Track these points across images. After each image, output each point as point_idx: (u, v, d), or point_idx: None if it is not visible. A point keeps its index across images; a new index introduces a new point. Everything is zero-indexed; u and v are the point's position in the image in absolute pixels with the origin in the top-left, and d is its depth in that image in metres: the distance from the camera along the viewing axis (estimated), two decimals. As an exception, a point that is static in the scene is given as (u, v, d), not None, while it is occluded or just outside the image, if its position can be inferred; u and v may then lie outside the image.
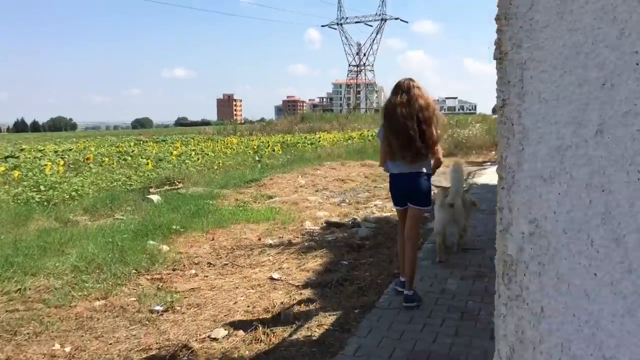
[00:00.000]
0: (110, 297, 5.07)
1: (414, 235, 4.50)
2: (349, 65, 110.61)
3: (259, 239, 7.43)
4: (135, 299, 5.04)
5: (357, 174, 14.18)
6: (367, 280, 5.17)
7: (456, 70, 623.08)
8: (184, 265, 6.23)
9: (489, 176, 12.37)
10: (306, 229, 7.99)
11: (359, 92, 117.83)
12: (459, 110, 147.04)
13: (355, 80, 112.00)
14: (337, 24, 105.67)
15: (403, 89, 4.27)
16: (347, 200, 10.26)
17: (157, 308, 4.77)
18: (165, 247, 6.84)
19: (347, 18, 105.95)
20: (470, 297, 4.41)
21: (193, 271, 6.03)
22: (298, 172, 14.43)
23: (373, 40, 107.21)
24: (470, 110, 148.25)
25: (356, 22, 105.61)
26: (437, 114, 4.41)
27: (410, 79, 4.36)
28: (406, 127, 4.13)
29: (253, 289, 5.28)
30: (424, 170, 4.36)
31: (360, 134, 29.04)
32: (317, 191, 11.68)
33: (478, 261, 5.49)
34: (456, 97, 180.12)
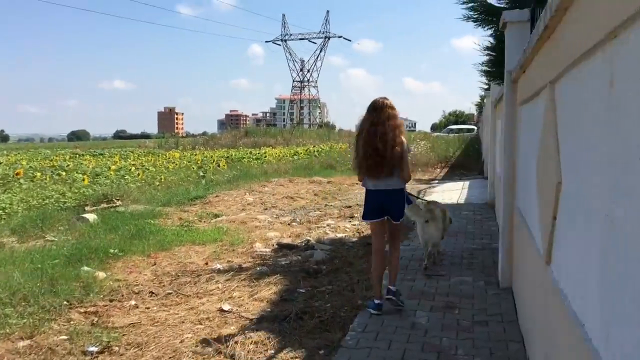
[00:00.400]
0: (37, 336, 4.42)
1: (398, 244, 4.94)
2: (293, 81, 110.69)
3: (206, 264, 6.87)
4: (66, 337, 4.41)
5: (306, 191, 13.77)
6: (328, 312, 4.73)
7: (396, 89, 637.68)
8: (123, 295, 5.62)
9: (439, 194, 12.22)
10: (257, 251, 7.49)
11: (302, 108, 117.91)
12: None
13: (299, 96, 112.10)
14: (282, 40, 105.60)
15: (377, 107, 4.53)
16: (298, 220, 9.82)
17: (92, 349, 4.16)
18: (101, 274, 6.19)
19: (291, 35, 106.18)
20: (444, 332, 4.04)
21: (133, 302, 5.42)
22: (245, 189, 13.89)
23: (317, 57, 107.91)
24: (410, 127, 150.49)
25: (300, 39, 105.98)
26: (405, 132, 4.71)
27: (385, 98, 4.62)
28: (380, 145, 4.37)
29: (201, 324, 4.74)
30: (398, 185, 4.60)
31: (306, 150, 28.72)
32: (265, 209, 11.18)
33: (445, 289, 5.16)
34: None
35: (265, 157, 24.93)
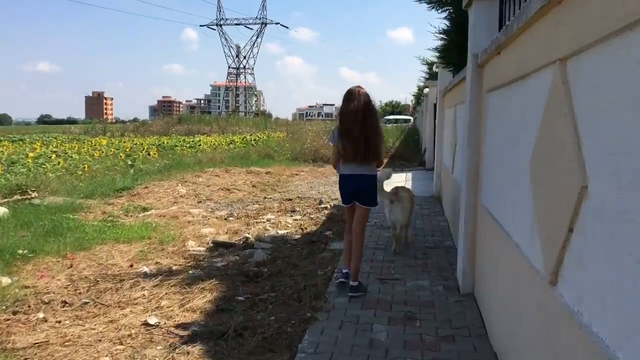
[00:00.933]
0: None
1: (360, 231, 4.86)
2: (229, 68, 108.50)
3: (131, 266, 6.09)
4: (-53, 367, 3.59)
5: (243, 182, 13.04)
6: (273, 327, 4.09)
7: (333, 78, 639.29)
8: (30, 307, 4.79)
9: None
10: (189, 250, 6.77)
11: (238, 95, 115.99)
12: (335, 116, 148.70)
13: (235, 83, 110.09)
14: (217, 24, 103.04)
15: (355, 96, 4.67)
16: (235, 214, 9.11)
17: (-21, 383, 3.37)
18: (5, 280, 5.32)
19: (227, 19, 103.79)
20: (407, 351, 3.50)
21: (41, 315, 4.61)
22: (177, 180, 12.99)
23: (253, 44, 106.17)
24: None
25: (236, 24, 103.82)
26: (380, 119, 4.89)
27: (359, 87, 4.77)
28: (358, 132, 4.56)
29: (122, 343, 4.01)
30: (371, 172, 4.77)
31: (243, 138, 27.79)
32: (200, 202, 10.39)
33: (402, 296, 4.65)
34: (333, 104, 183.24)
35: (200, 145, 23.90)
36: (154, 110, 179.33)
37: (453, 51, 6.43)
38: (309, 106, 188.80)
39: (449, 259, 5.76)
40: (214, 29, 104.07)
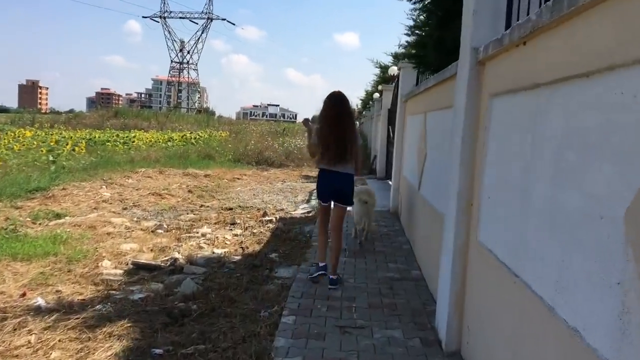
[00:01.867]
0: None
1: (339, 227, 5.11)
2: (171, 62, 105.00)
3: (24, 295, 4.82)
4: None
5: (178, 186, 11.72)
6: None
7: (278, 79, 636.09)
8: None
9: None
10: (103, 273, 5.52)
11: (180, 91, 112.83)
12: (280, 117, 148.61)
13: (178, 78, 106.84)
14: (160, 17, 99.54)
15: (338, 100, 4.95)
16: (165, 225, 7.85)
17: None
18: None
19: (171, 12, 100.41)
20: None
21: None
22: (102, 181, 11.53)
23: (198, 39, 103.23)
24: (291, 118, 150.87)
25: (181, 18, 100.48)
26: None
27: (341, 92, 5.03)
28: (341, 135, 4.83)
29: None
30: (351, 171, 4.99)
31: (183, 136, 26.22)
32: (125, 209, 9.05)
33: (370, 355, 3.59)
34: (278, 105, 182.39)
35: (134, 142, 22.21)
36: (91, 102, 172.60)
37: (430, 48, 5.48)
38: (254, 105, 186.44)
39: (420, 297, 4.77)
40: (158, 22, 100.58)
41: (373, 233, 7.05)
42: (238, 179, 14.01)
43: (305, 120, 5.54)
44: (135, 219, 8.29)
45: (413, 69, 7.84)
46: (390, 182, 12.68)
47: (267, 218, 8.39)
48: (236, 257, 6.27)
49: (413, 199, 6.80)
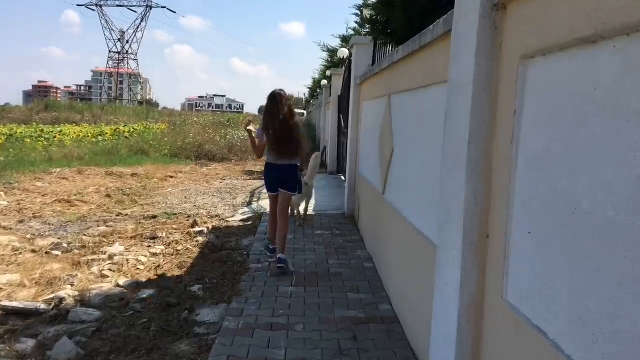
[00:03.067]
0: None
1: (285, 214, 5.46)
2: (110, 52, 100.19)
3: None
4: None
5: (96, 189, 9.99)
6: None
7: (224, 69, 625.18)
8: None
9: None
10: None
11: (121, 82, 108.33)
12: (226, 108, 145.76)
13: (117, 69, 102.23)
14: (96, 5, 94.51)
15: (278, 99, 5.27)
16: (65, 244, 6.23)
17: None
18: None
19: (108, 0, 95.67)
20: None
21: None
22: (2, 184, 9.69)
23: (137, 28, 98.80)
24: (238, 109, 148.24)
25: (118, 6, 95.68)
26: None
27: (282, 90, 5.43)
28: (283, 129, 5.19)
29: None
30: (294, 162, 5.37)
31: (115, 130, 24.09)
32: (21, 222, 7.34)
33: None
34: (224, 96, 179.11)
35: (57, 137, 20.05)
36: (28, 96, 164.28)
37: (398, 8, 4.10)
38: (199, 97, 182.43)
39: (396, 354, 3.40)
40: (94, 10, 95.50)
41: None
42: (171, 177, 12.34)
43: (247, 123, 5.56)
44: (29, 235, 6.61)
45: (372, 40, 6.46)
46: (343, 178, 11.35)
47: (197, 229, 6.86)
48: (148, 290, 4.74)
49: (376, 205, 5.45)
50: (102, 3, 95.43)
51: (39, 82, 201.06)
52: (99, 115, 37.61)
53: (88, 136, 21.57)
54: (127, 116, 39.87)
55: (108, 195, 9.35)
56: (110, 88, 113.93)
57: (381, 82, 5.39)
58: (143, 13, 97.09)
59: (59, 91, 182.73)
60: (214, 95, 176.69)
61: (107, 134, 22.35)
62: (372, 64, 6.75)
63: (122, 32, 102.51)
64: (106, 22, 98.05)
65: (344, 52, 12.50)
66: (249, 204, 8.88)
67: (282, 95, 5.31)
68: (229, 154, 18.53)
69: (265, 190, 9.25)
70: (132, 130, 24.32)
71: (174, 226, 7.15)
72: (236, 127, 25.61)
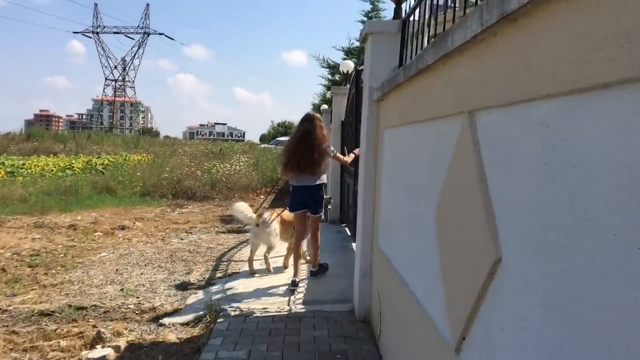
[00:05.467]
0: None
1: (316, 237, 5.74)
2: (106, 79, 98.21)
3: None
4: None
5: (-2, 256, 7.01)
6: None
7: (226, 98, 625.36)
8: None
9: (249, 279, 6.31)
10: None
11: (122, 111, 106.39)
12: (228, 136, 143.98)
13: (114, 97, 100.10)
14: (93, 32, 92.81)
15: (310, 120, 5.57)
16: None
17: None
18: None
19: (104, 27, 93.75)
20: None
21: None
22: None
23: (134, 55, 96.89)
24: (239, 137, 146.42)
25: (115, 33, 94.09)
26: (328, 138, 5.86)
27: (316, 114, 5.80)
28: (307, 151, 5.43)
29: None
30: (317, 183, 5.58)
31: (88, 161, 21.19)
32: None
33: None
34: (225, 124, 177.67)
35: (15, 173, 17.17)
36: (29, 124, 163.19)
37: None
38: (200, 125, 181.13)
39: None
40: (90, 37, 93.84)
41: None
42: (122, 228, 9.37)
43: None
44: None
45: (400, 28, 3.63)
46: (348, 232, 8.40)
47: (95, 355, 3.88)
48: None
49: (409, 314, 2.54)
50: (98, 30, 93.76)
51: (41, 110, 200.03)
52: (83, 145, 34.88)
53: (53, 170, 18.70)
54: (115, 145, 37.11)
55: (3, 269, 6.37)
56: (111, 117, 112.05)
57: (441, 86, 2.49)
58: (140, 40, 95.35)
59: (60, 120, 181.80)
60: (215, 124, 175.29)
61: (77, 167, 19.45)
62: (400, 64, 3.89)
63: (125, 61, 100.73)
64: (103, 49, 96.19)
65: (348, 66, 9.70)
66: (208, 284, 5.90)
67: (314, 117, 5.62)
68: (211, 192, 15.61)
69: (236, 260, 7.13)
70: (107, 162, 21.41)
71: (63, 342, 4.17)
72: (229, 157, 22.70)
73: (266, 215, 6.14)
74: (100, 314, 4.89)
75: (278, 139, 49.56)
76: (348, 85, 9.37)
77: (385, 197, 4.02)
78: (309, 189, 5.51)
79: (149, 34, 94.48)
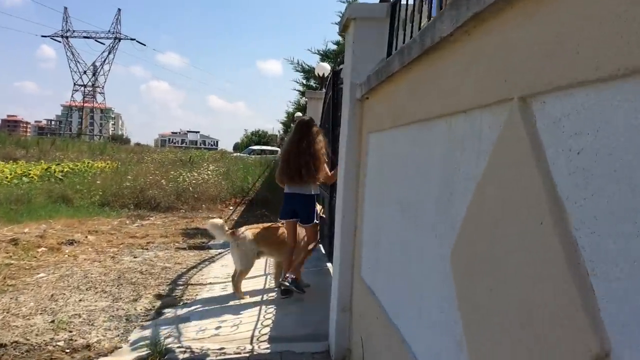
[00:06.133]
0: None
1: (305, 246, 5.42)
2: (74, 85, 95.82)
3: None
4: None
5: None
6: None
7: (200, 105, 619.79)
8: None
9: (210, 307, 5.47)
10: None
11: (92, 117, 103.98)
12: (200, 144, 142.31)
13: (83, 103, 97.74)
14: (62, 36, 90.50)
15: (304, 126, 5.24)
16: None
17: None
18: None
19: (74, 31, 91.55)
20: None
21: None
22: None
23: (104, 60, 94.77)
24: (212, 145, 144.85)
25: (85, 37, 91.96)
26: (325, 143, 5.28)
27: (310, 119, 5.50)
28: (300, 157, 5.10)
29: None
30: (309, 192, 5.23)
31: (47, 169, 20.00)
32: None
33: None
34: (198, 132, 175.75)
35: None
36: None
37: None
38: (172, 132, 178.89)
39: None
40: (59, 41, 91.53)
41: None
42: (71, 243, 8.41)
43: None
44: None
45: (389, 11, 2.94)
46: (322, 248, 7.62)
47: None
48: None
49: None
50: (68, 34, 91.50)
51: (8, 116, 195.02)
52: (47, 151, 33.46)
53: (8, 177, 17.51)
54: (81, 152, 35.73)
55: None
56: (80, 122, 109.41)
57: (464, 66, 1.73)
58: (111, 45, 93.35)
59: (28, 126, 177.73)
60: (188, 131, 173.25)
61: (34, 175, 18.26)
62: (387, 55, 3.15)
63: (94, 65, 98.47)
64: (72, 54, 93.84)
65: (324, 68, 8.97)
66: (158, 314, 5.03)
67: (309, 123, 5.33)
68: (176, 202, 14.67)
69: (195, 284, 6.30)
70: (67, 169, 20.23)
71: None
72: (198, 166, 21.74)
73: (242, 230, 5.55)
74: (21, 354, 4.02)
75: (252, 147, 48.68)
76: (324, 90, 8.66)
77: (370, 217, 3.26)
78: (301, 198, 5.21)
79: (120, 39, 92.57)
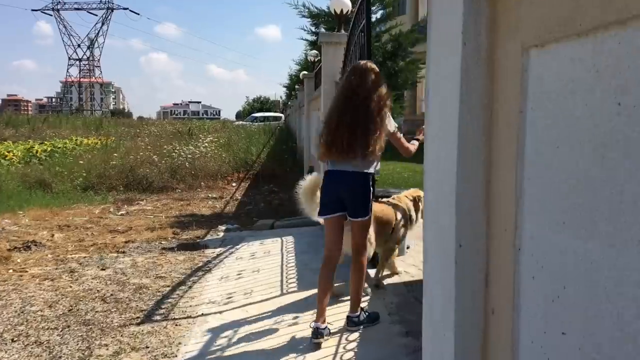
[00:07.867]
0: None
1: (360, 259, 3.65)
2: (69, 59, 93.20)
3: None
4: None
5: None
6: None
7: (200, 75, 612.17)
8: None
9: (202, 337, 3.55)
10: None
11: (93, 93, 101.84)
12: (202, 114, 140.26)
13: (79, 79, 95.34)
14: (53, 9, 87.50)
15: (361, 74, 3.48)
16: None
17: None
18: None
19: (65, 3, 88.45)
20: None
21: None
22: None
23: (98, 32, 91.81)
24: (214, 115, 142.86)
25: (77, 9, 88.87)
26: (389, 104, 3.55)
27: (368, 61, 3.72)
28: (350, 117, 3.41)
29: None
30: (363, 170, 3.49)
31: (28, 149, 17.98)
32: None
33: None
34: (200, 102, 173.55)
35: None
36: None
37: None
38: (174, 104, 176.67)
39: None
40: (50, 15, 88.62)
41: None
42: (28, 247, 6.51)
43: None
44: None
45: None
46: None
47: None
48: None
49: None
50: (59, 7, 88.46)
51: (9, 95, 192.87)
52: (40, 130, 31.56)
53: (-16, 160, 15.58)
54: (75, 128, 33.81)
55: None
56: (80, 98, 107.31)
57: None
58: (104, 16, 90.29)
59: (30, 104, 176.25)
60: (190, 102, 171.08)
61: (13, 156, 16.31)
62: None
63: (89, 39, 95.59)
64: (65, 27, 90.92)
65: (342, 3, 6.87)
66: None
67: (366, 67, 3.47)
68: (171, 180, 12.76)
69: (179, 318, 4.42)
70: (53, 149, 18.22)
71: None
72: (196, 138, 19.71)
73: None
74: None
75: (254, 114, 46.53)
76: (342, 32, 6.60)
77: (544, 250, 1.28)
78: (350, 178, 3.48)
79: (112, 9, 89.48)
